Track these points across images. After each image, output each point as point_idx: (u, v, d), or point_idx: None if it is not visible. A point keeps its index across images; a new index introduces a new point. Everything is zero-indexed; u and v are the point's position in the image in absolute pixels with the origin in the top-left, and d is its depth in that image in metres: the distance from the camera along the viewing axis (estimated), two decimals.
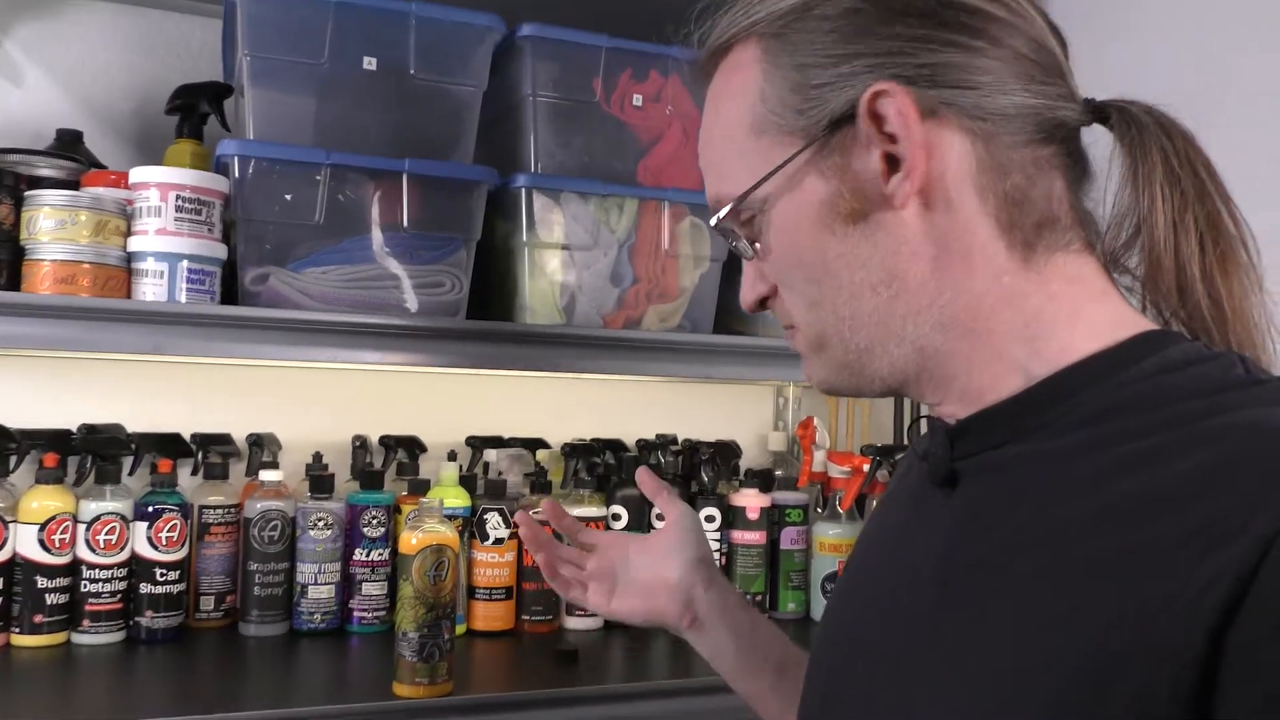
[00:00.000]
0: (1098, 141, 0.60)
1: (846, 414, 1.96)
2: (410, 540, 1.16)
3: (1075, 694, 0.46)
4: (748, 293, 0.65)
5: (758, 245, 0.62)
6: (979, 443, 0.58)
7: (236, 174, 1.25)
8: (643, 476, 0.95)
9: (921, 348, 0.58)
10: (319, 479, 1.45)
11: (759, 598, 1.62)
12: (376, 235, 1.29)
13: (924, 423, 1.44)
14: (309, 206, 1.26)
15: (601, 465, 1.66)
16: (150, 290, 1.21)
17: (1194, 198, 0.57)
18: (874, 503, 1.65)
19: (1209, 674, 0.42)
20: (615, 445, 1.74)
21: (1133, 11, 1.46)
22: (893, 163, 0.56)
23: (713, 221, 0.62)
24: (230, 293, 1.27)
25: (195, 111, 1.42)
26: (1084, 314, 0.57)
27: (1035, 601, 0.50)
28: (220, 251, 1.27)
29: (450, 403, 1.73)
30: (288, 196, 1.26)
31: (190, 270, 1.22)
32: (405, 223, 1.31)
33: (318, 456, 1.55)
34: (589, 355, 1.35)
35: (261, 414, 1.62)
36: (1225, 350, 0.56)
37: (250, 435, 1.58)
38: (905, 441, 1.74)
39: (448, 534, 1.18)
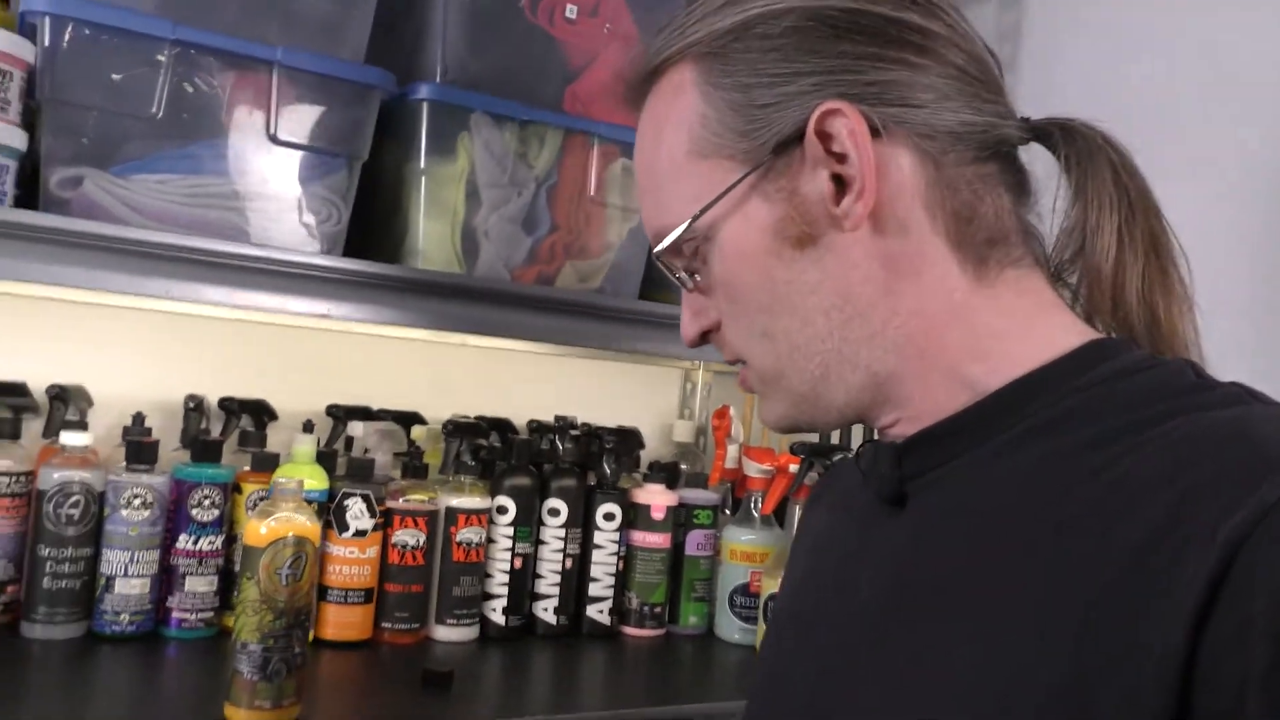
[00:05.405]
0: (1035, 160, 0.63)
1: None
2: (259, 529, 0.97)
3: (1054, 710, 0.46)
4: (689, 327, 0.66)
5: (698, 277, 0.63)
6: (928, 459, 0.59)
7: (47, 40, 1.02)
8: None
9: (875, 372, 0.59)
10: (138, 446, 1.25)
11: (659, 609, 1.48)
12: (234, 141, 1.09)
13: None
14: (145, 95, 1.06)
15: (486, 448, 1.49)
16: None
17: (1140, 211, 0.59)
18: (796, 511, 1.51)
19: (1188, 674, 0.43)
20: (503, 425, 1.56)
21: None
22: (840, 184, 0.57)
23: (655, 251, 0.62)
24: (30, 196, 1.06)
25: None
26: (1036, 326, 0.58)
27: (999, 619, 0.50)
28: (17, 139, 1.05)
29: (310, 361, 1.55)
30: (116, 77, 1.04)
31: None
32: (273, 129, 1.11)
33: (138, 418, 1.35)
34: (496, 313, 1.17)
35: (68, 359, 1.41)
36: (1174, 358, 0.58)
37: (51, 386, 1.36)
38: (834, 442, 1.59)
39: (307, 524, 0.99)
